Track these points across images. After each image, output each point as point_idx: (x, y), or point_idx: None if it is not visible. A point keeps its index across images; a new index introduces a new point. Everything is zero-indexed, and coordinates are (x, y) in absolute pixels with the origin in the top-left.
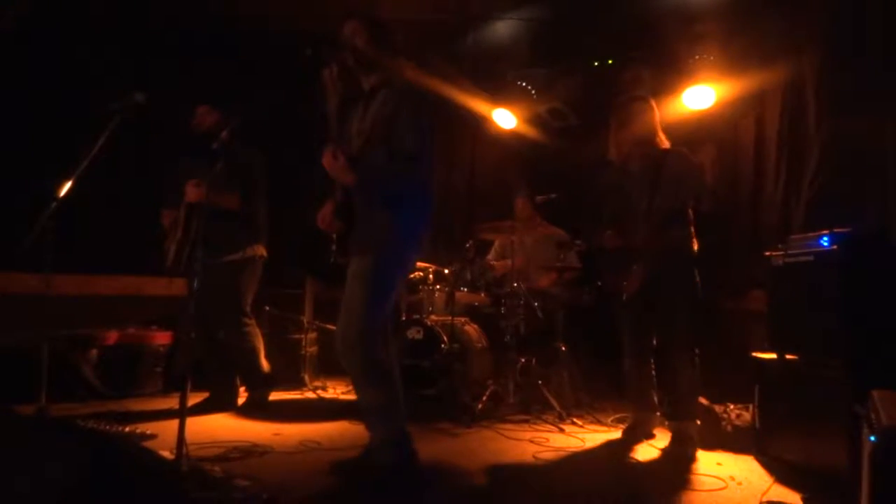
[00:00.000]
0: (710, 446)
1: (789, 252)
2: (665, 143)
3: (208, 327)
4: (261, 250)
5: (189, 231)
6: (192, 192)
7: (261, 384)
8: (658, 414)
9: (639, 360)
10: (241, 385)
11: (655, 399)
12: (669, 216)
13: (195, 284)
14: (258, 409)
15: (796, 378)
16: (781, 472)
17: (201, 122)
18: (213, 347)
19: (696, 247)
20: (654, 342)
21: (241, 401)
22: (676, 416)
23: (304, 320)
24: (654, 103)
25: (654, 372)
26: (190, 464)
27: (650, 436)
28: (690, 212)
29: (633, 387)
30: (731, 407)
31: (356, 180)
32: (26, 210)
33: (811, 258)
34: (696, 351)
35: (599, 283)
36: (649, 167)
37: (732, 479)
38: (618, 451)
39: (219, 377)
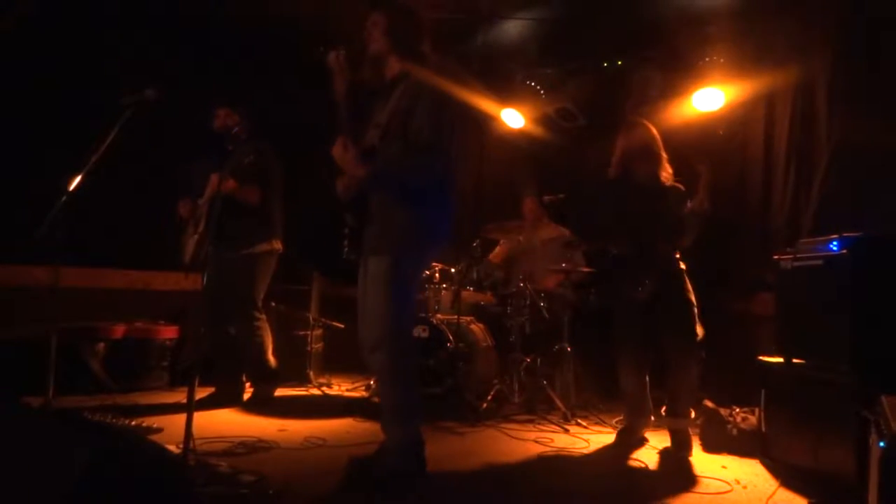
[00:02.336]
0: (716, 449)
1: (798, 256)
2: (667, 172)
3: (221, 321)
4: (277, 244)
5: (210, 227)
6: (218, 182)
7: (267, 379)
8: (652, 418)
9: (641, 369)
10: (247, 380)
11: (650, 403)
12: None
13: (205, 279)
14: (263, 404)
15: (803, 382)
16: (787, 476)
17: (221, 123)
18: (223, 342)
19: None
20: (652, 355)
21: (245, 396)
22: (673, 413)
23: (310, 317)
24: (651, 127)
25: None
26: (196, 458)
27: (644, 440)
28: None
29: (633, 394)
30: (737, 410)
31: (366, 173)
32: (36, 204)
33: (820, 262)
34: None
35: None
36: (653, 194)
37: (737, 482)
38: (623, 452)
39: (226, 372)
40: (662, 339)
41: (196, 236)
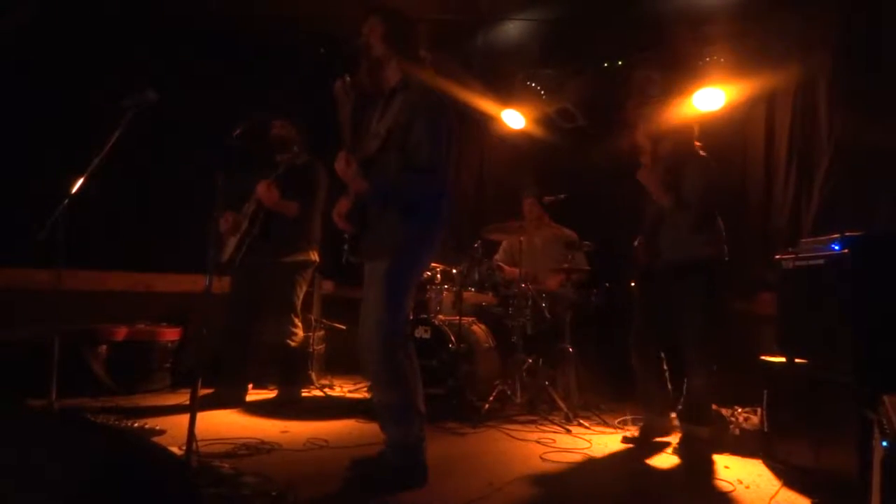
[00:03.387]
0: (718, 449)
1: (800, 255)
2: (697, 150)
3: (251, 322)
4: (314, 256)
5: (254, 227)
6: (262, 192)
7: (297, 382)
8: (673, 416)
9: (644, 359)
10: (249, 382)
11: (667, 400)
12: (685, 218)
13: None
14: (290, 405)
15: (805, 382)
16: (790, 476)
17: (277, 134)
18: (241, 343)
19: (717, 252)
20: (662, 343)
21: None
22: (686, 419)
23: (312, 318)
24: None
25: (664, 374)
26: (199, 460)
27: (661, 441)
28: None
29: (639, 386)
30: (740, 410)
31: (368, 188)
32: (38, 206)
33: (822, 262)
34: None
35: (608, 284)
36: (670, 172)
37: (740, 482)
38: (625, 452)
39: (231, 373)
40: (674, 340)
41: (238, 235)
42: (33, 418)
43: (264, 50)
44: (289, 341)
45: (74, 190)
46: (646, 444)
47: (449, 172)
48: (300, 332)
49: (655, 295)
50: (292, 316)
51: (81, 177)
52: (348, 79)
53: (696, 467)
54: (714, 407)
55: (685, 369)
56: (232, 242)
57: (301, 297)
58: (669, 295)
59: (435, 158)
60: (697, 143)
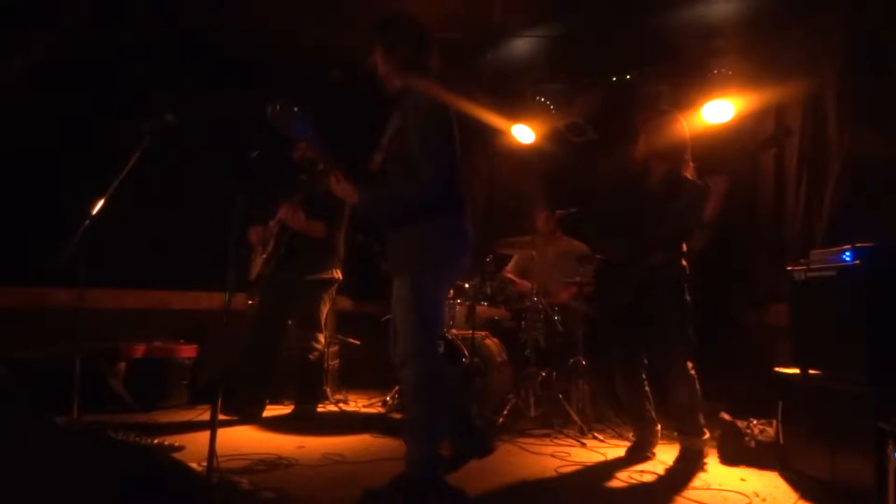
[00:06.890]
0: (733, 462)
1: (812, 267)
2: (688, 167)
3: (277, 340)
4: (338, 273)
5: (280, 247)
6: (286, 215)
7: (313, 398)
8: (658, 427)
9: (629, 377)
10: (265, 398)
11: (652, 413)
12: (663, 241)
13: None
14: (304, 420)
15: (820, 393)
16: (806, 488)
17: (301, 155)
18: (265, 360)
19: (685, 266)
20: (645, 358)
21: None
22: (682, 432)
23: (327, 334)
24: (682, 119)
25: (646, 387)
26: (219, 476)
27: (652, 454)
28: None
29: (627, 404)
30: (755, 422)
31: (360, 202)
32: (61, 227)
33: (834, 273)
34: (691, 365)
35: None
36: (665, 189)
37: (756, 494)
38: (641, 466)
39: (251, 389)
40: (647, 353)
41: (264, 256)
42: (60, 435)
43: (279, 71)
44: (309, 356)
45: (95, 211)
46: (640, 460)
47: (453, 173)
48: (321, 348)
49: (633, 316)
50: (316, 332)
51: (102, 198)
52: (279, 105)
53: (713, 480)
54: (728, 417)
55: (665, 384)
56: (259, 261)
57: (325, 313)
58: (646, 310)
59: (432, 158)
60: (691, 164)
